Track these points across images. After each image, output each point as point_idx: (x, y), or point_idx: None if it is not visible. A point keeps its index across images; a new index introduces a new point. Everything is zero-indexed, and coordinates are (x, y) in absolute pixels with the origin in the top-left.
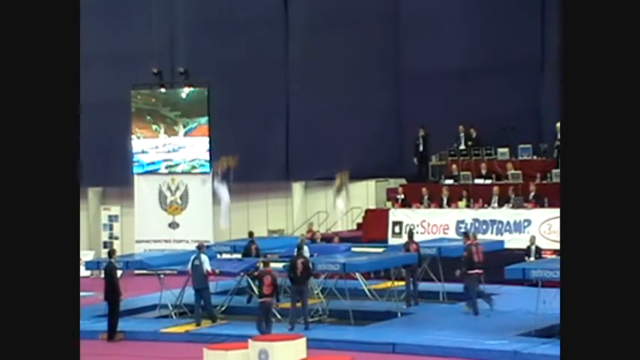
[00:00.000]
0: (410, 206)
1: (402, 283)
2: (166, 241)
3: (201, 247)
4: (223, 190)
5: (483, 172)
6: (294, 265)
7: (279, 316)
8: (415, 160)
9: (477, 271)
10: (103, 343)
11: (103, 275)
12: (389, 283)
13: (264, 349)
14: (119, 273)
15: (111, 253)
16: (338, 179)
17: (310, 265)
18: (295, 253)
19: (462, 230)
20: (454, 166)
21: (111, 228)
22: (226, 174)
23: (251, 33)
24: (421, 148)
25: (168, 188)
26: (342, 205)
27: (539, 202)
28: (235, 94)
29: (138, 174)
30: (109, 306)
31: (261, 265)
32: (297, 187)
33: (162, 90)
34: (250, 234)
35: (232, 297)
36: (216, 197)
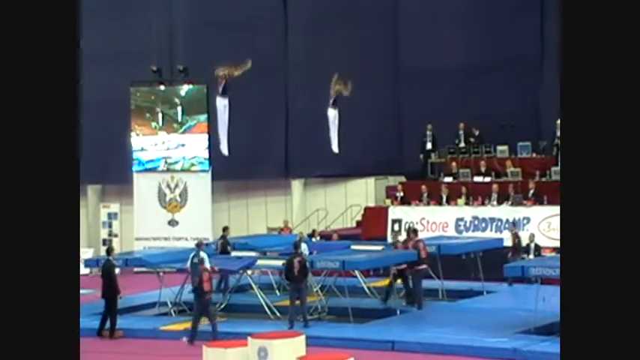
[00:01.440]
0: (409, 204)
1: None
2: (165, 238)
3: (200, 245)
4: (222, 106)
5: (483, 169)
6: (291, 264)
7: (278, 313)
8: (421, 156)
9: (423, 266)
10: (102, 341)
11: (100, 273)
12: (387, 281)
13: (264, 347)
14: (117, 271)
15: (109, 251)
16: (332, 87)
17: (307, 264)
18: (293, 252)
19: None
20: (453, 163)
21: (110, 225)
22: (227, 86)
23: (250, 30)
24: (429, 145)
25: (168, 186)
26: (334, 115)
27: (538, 200)
28: (235, 91)
29: (137, 171)
30: (106, 304)
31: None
32: (297, 184)
33: (162, 87)
34: (224, 229)
35: (231, 294)
36: (215, 116)
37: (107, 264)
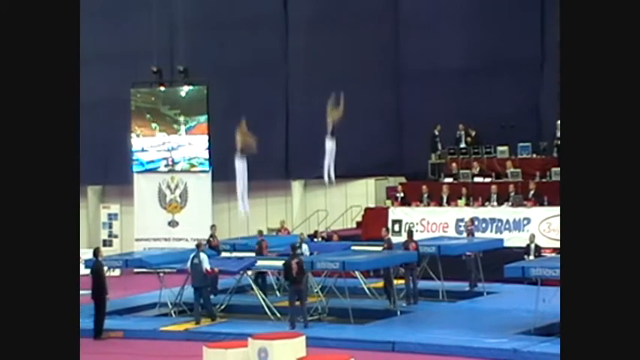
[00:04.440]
0: (409, 204)
1: (402, 281)
2: (166, 239)
3: (200, 246)
4: (242, 167)
5: (483, 170)
6: (289, 265)
7: (278, 314)
8: (433, 156)
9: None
10: (102, 342)
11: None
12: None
13: (264, 348)
14: (118, 271)
15: (96, 252)
16: (329, 117)
17: (304, 265)
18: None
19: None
20: (454, 164)
21: (110, 226)
22: (244, 149)
23: (251, 31)
24: (440, 146)
25: (168, 186)
26: (331, 147)
27: (538, 201)
28: (235, 92)
29: (137, 172)
30: (95, 305)
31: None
32: (297, 185)
33: (162, 88)
34: (212, 227)
35: (232, 295)
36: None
37: (95, 265)
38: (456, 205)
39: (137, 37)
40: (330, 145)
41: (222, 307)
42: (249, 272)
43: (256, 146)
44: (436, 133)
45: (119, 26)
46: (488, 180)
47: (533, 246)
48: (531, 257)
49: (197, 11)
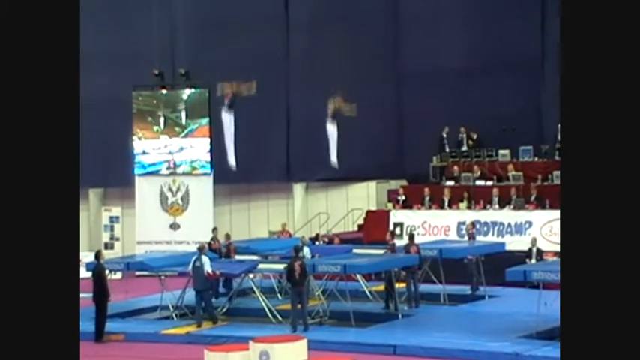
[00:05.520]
0: (411, 207)
1: (403, 284)
2: (167, 242)
3: (202, 249)
4: (228, 120)
5: (484, 173)
6: (292, 267)
7: (279, 317)
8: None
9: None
10: (103, 345)
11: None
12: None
13: (265, 351)
14: (119, 274)
15: (98, 255)
16: (332, 104)
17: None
18: (293, 255)
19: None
20: (455, 167)
21: (112, 229)
22: (232, 101)
23: (252, 34)
24: (447, 148)
25: (170, 189)
26: (333, 130)
27: (540, 204)
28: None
29: (139, 175)
30: (96, 308)
31: None
32: (298, 188)
33: (164, 91)
34: (213, 229)
35: (233, 298)
36: (219, 123)
37: (97, 267)
38: (458, 209)
39: (138, 39)
40: (331, 129)
41: (224, 309)
42: (251, 275)
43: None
44: (444, 135)
45: (120, 29)
46: (489, 183)
47: (534, 249)
48: (533, 261)
49: (198, 13)
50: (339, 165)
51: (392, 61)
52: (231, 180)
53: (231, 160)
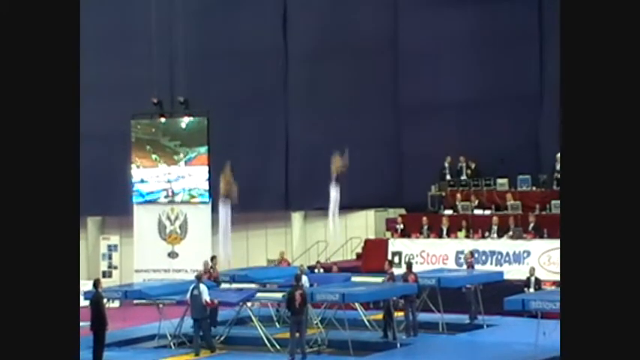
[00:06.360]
0: (409, 236)
1: (401, 313)
2: (165, 270)
3: (200, 277)
4: (224, 213)
5: (483, 202)
6: (293, 296)
7: (277, 346)
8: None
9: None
10: None
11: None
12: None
13: None
14: (117, 303)
15: (96, 283)
16: (334, 165)
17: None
18: (294, 284)
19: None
20: (458, 195)
21: (110, 257)
22: (227, 196)
23: (251, 63)
24: (448, 176)
25: (168, 218)
26: (335, 195)
27: (538, 233)
28: (235, 123)
29: (137, 203)
30: (94, 336)
31: None
32: (297, 216)
33: (162, 120)
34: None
35: (231, 327)
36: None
37: (95, 296)
38: (456, 237)
39: (137, 68)
40: (334, 193)
41: (222, 338)
42: (249, 303)
43: (237, 195)
44: (446, 165)
45: (119, 57)
46: (488, 212)
47: (533, 279)
48: (531, 290)
49: (197, 43)
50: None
51: (391, 93)
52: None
53: (224, 253)
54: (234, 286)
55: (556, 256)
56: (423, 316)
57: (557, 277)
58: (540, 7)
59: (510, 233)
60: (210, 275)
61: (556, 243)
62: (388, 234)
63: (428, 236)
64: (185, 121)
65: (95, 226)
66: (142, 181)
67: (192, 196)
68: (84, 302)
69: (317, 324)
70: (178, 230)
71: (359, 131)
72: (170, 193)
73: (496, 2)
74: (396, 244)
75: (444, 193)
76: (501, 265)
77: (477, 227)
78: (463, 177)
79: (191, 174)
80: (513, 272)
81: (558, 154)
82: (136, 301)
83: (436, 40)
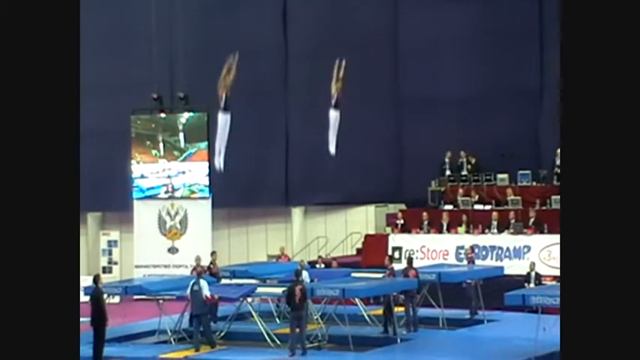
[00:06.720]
0: (409, 231)
1: (402, 309)
2: (165, 266)
3: (200, 273)
4: (224, 122)
5: (483, 197)
6: (293, 292)
7: (278, 341)
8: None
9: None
10: None
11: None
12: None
13: None
14: (117, 298)
15: (96, 279)
16: (334, 86)
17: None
18: (294, 279)
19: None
20: (459, 190)
21: (110, 253)
22: (228, 101)
23: (251, 58)
24: (448, 172)
25: (168, 213)
26: (335, 117)
27: (538, 228)
28: (235, 119)
29: (137, 199)
30: (94, 332)
31: None
32: (297, 212)
33: (162, 115)
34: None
35: (231, 322)
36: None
37: (95, 292)
38: (456, 233)
39: (137, 64)
40: (334, 115)
41: (222, 334)
42: (249, 299)
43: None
44: (446, 160)
45: (119, 53)
46: (488, 207)
47: (533, 274)
48: (532, 285)
49: (197, 38)
50: (338, 187)
51: (391, 88)
52: (230, 204)
53: (218, 162)
54: (235, 281)
55: (556, 251)
56: (423, 312)
57: (558, 272)
58: (540, 2)
59: (511, 229)
60: (200, 271)
61: (556, 238)
62: (388, 229)
63: (428, 231)
64: (185, 117)
65: (95, 221)
66: (142, 176)
67: (193, 192)
68: (84, 298)
69: (317, 319)
70: (178, 226)
71: (359, 127)
72: (170, 189)
73: None
74: (396, 240)
75: (444, 189)
76: (502, 260)
77: (478, 222)
78: (463, 172)
79: (191, 169)
80: (514, 267)
81: (558, 150)
82: (136, 297)
83: (436, 36)
